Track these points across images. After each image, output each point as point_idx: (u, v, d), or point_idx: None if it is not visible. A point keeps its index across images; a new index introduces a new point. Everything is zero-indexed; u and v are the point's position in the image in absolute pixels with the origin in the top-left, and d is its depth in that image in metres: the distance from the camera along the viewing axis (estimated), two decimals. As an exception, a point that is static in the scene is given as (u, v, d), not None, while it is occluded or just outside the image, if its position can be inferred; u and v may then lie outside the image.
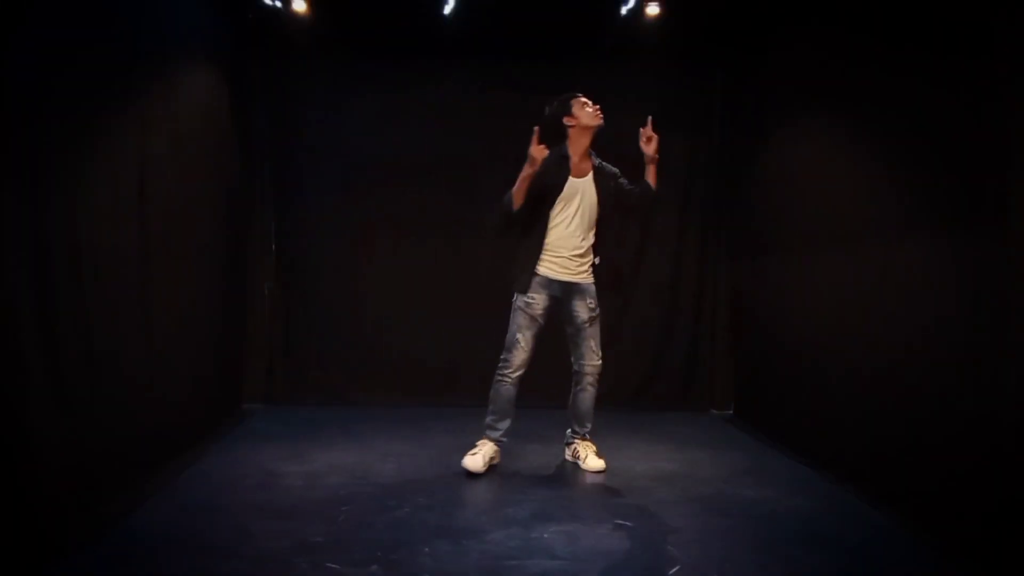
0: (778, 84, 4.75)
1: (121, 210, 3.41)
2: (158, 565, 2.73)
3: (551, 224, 3.89)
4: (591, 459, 3.99)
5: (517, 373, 3.93)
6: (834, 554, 2.93)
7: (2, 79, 2.59)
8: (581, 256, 3.93)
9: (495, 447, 3.98)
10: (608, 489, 3.71)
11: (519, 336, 3.90)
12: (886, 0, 3.52)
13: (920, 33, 3.24)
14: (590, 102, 3.92)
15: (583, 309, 3.94)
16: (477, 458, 3.85)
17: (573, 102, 3.93)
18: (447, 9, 4.82)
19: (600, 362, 4.02)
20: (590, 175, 3.95)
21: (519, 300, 3.91)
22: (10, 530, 2.57)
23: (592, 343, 3.98)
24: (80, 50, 3.07)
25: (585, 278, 3.96)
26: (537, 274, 3.89)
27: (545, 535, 3.05)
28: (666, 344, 5.72)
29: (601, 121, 3.91)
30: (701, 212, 5.72)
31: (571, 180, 3.90)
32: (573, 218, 3.90)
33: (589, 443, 4.08)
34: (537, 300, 3.89)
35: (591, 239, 3.97)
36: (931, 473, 3.12)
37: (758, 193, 5.08)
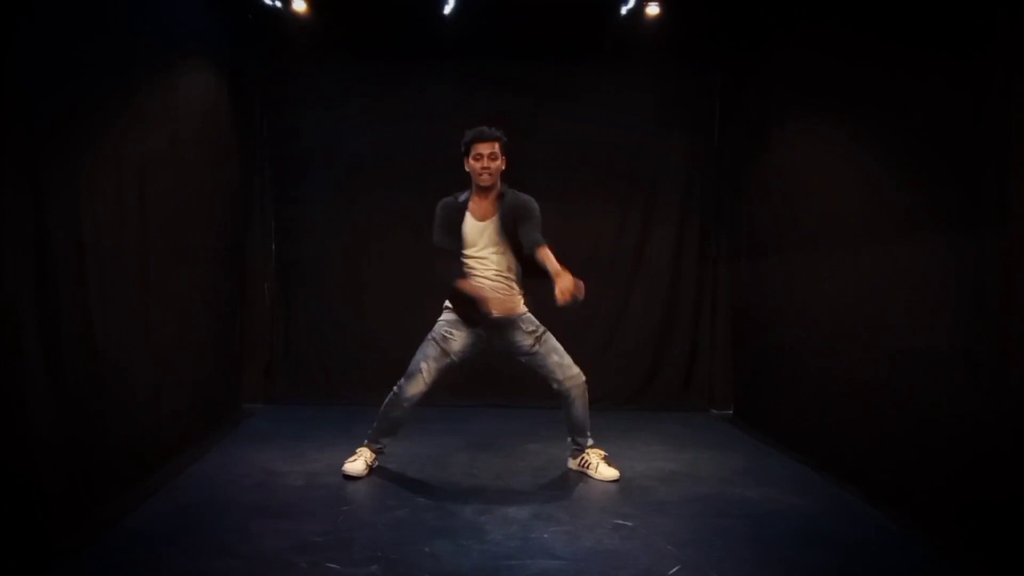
0: (778, 84, 4.75)
1: (121, 210, 3.41)
2: (158, 565, 2.73)
3: (465, 267, 3.72)
4: (603, 467, 3.85)
5: (409, 403, 3.77)
6: (834, 554, 2.93)
7: (2, 79, 2.59)
8: (505, 293, 3.70)
9: (375, 455, 3.91)
10: (608, 489, 3.71)
11: (423, 365, 3.71)
12: (886, 0, 3.53)
13: (920, 33, 3.24)
14: (487, 154, 3.64)
15: (523, 336, 3.74)
16: (358, 463, 3.81)
17: (471, 149, 3.67)
18: (447, 10, 4.82)
19: (575, 371, 3.79)
20: (494, 218, 3.71)
21: (437, 330, 3.75)
22: (10, 530, 2.57)
23: (554, 358, 3.75)
24: (80, 50, 3.07)
25: (514, 312, 3.73)
26: (459, 314, 3.72)
27: (545, 535, 3.05)
28: (666, 344, 5.72)
29: (484, 183, 3.67)
30: (701, 212, 5.72)
31: (471, 222, 3.71)
32: (483, 260, 3.71)
33: (597, 450, 3.94)
34: (456, 336, 3.72)
35: (514, 275, 3.74)
36: (931, 473, 3.12)
37: (758, 193, 5.09)
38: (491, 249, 3.72)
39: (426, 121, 5.49)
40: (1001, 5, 2.74)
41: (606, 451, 3.98)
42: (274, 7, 4.86)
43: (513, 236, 3.70)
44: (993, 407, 2.78)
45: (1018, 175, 2.67)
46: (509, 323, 3.74)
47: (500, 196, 3.74)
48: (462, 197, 3.77)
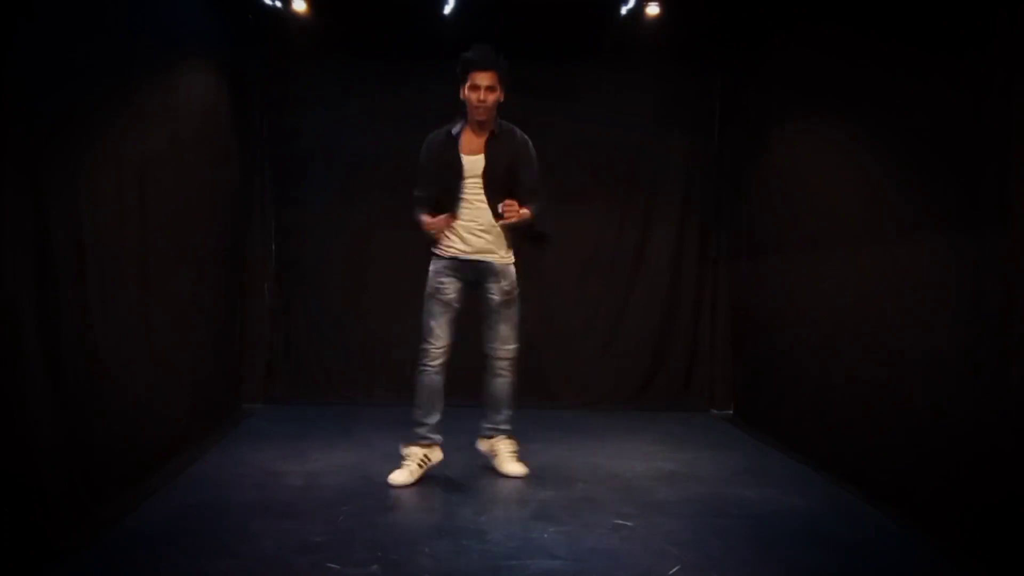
0: (778, 84, 4.75)
1: (121, 210, 3.41)
2: (158, 565, 2.72)
3: (454, 203, 3.64)
4: (508, 463, 3.81)
5: (438, 361, 3.72)
6: (833, 553, 2.93)
7: (2, 79, 2.59)
8: (491, 232, 3.68)
9: (425, 450, 3.72)
10: (608, 489, 3.71)
11: (433, 324, 3.71)
12: (886, 0, 3.53)
13: (920, 33, 3.24)
14: (484, 85, 3.52)
15: (496, 291, 3.73)
16: (402, 472, 3.66)
17: (468, 77, 3.55)
18: (447, 10, 4.82)
19: (514, 346, 3.82)
20: (482, 154, 3.65)
21: (430, 285, 3.73)
22: (10, 530, 2.57)
23: (505, 327, 3.77)
24: (80, 50, 3.07)
25: (500, 258, 3.73)
26: (445, 257, 3.70)
27: (545, 535, 3.05)
28: (666, 344, 5.71)
29: (480, 117, 3.59)
30: (701, 212, 5.72)
31: (461, 157, 3.65)
32: (474, 194, 3.64)
33: (510, 441, 3.87)
34: (447, 284, 3.70)
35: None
36: (931, 473, 3.12)
37: (758, 193, 5.09)
38: (476, 190, 3.65)
39: (426, 121, 5.45)
40: (1001, 5, 2.74)
41: (607, 450, 3.95)
42: (274, 7, 4.86)
43: (504, 179, 3.65)
44: (993, 407, 2.77)
45: (1018, 175, 2.67)
46: (488, 266, 3.71)
47: (492, 134, 3.66)
48: (455, 129, 3.68)
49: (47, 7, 2.85)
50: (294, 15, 4.90)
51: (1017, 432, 2.65)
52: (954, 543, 2.92)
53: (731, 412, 5.56)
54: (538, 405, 4.60)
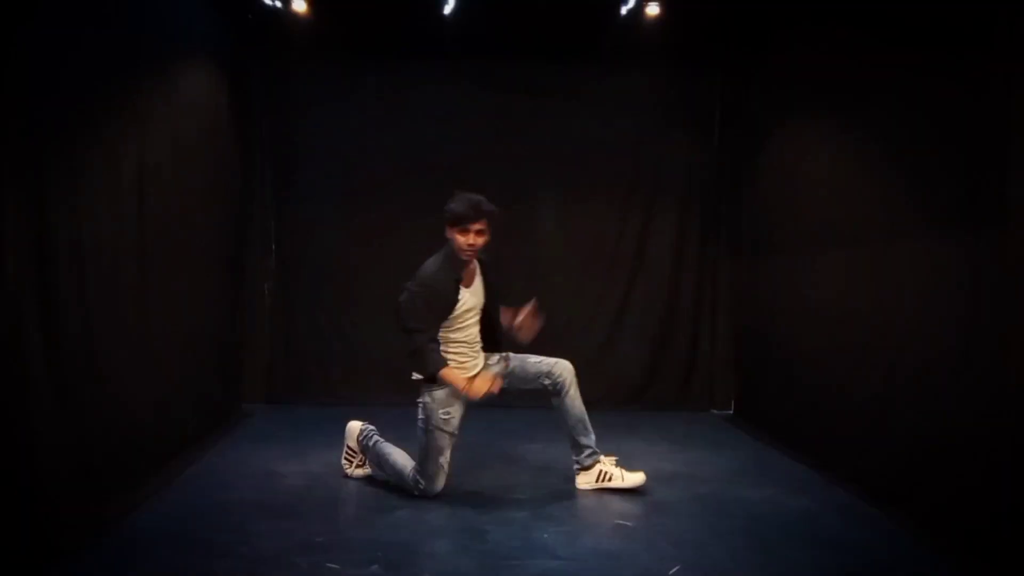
0: (778, 84, 4.76)
1: (122, 210, 3.41)
2: (158, 565, 2.73)
3: (453, 337, 3.53)
4: (628, 475, 3.66)
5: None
6: (834, 554, 2.93)
7: (2, 79, 2.59)
8: (477, 360, 3.64)
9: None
10: (608, 489, 3.71)
11: (441, 460, 3.46)
12: (887, 0, 3.53)
13: (921, 33, 3.24)
14: (475, 230, 3.41)
15: (499, 358, 3.67)
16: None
17: (461, 223, 3.42)
18: (447, 9, 4.83)
19: (560, 361, 3.66)
20: (476, 279, 3.61)
21: (435, 418, 3.45)
22: (10, 530, 2.57)
23: (531, 360, 3.66)
24: (81, 50, 3.07)
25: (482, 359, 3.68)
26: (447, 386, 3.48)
27: (545, 535, 3.05)
28: (666, 344, 5.72)
29: (467, 258, 3.48)
30: (701, 212, 5.72)
31: (462, 291, 3.52)
32: (472, 326, 3.58)
33: (611, 457, 3.77)
34: (454, 412, 3.49)
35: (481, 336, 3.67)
36: (932, 473, 3.12)
37: (758, 193, 5.09)
38: (474, 316, 3.59)
39: (426, 121, 5.49)
40: (1001, 5, 2.74)
41: (606, 451, 3.91)
42: (274, 7, 4.87)
43: (491, 297, 3.66)
44: (993, 407, 2.77)
45: (1018, 175, 2.67)
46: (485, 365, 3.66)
47: (480, 263, 3.63)
48: (455, 272, 3.51)
49: (47, 7, 2.85)
50: (294, 15, 4.90)
51: (1017, 433, 2.65)
52: (954, 543, 2.92)
53: (731, 412, 5.56)
54: (538, 405, 4.58)
